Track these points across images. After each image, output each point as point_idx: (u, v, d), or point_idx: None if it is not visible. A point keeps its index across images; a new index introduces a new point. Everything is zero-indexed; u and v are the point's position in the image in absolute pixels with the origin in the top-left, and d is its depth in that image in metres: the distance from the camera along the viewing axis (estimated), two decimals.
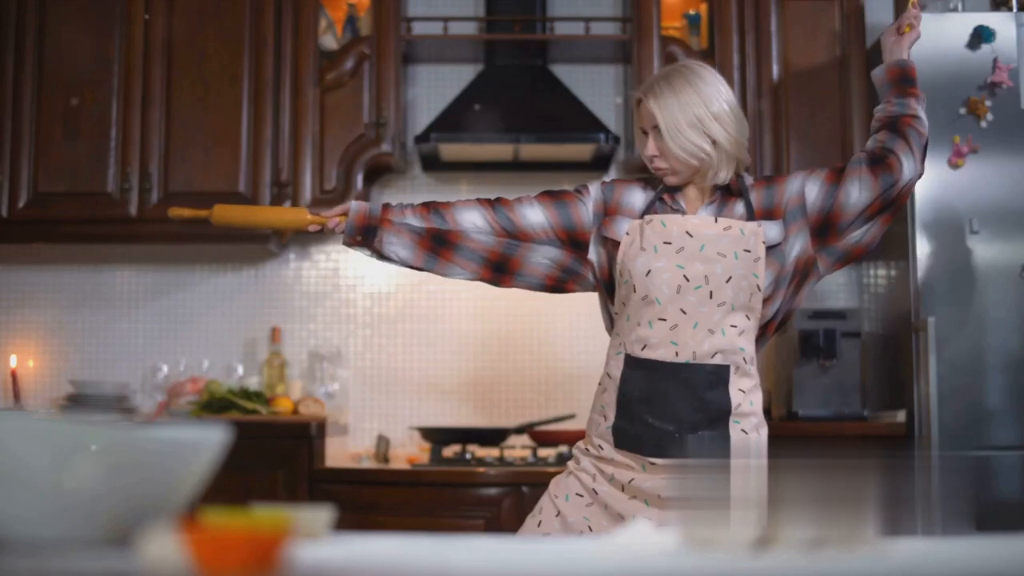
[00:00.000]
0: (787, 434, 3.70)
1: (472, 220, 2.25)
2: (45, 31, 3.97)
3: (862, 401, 3.84)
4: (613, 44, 4.21)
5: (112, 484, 0.97)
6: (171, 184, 3.93)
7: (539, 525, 2.26)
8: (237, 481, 2.99)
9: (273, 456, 3.60)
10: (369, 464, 3.92)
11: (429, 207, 2.27)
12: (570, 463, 2.29)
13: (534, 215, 2.26)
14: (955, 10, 3.80)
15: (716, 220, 2.17)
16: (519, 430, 3.86)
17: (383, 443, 4.00)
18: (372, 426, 4.16)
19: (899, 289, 3.77)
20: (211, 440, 1.04)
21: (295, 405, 3.95)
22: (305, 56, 3.99)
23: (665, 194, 2.25)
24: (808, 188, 2.22)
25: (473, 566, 0.91)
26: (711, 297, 2.12)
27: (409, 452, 4.04)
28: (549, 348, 4.23)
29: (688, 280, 2.13)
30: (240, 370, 4.14)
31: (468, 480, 3.61)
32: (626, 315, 2.19)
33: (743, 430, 2.14)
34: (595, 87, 4.31)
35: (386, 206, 2.27)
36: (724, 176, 2.20)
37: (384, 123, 3.96)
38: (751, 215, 2.20)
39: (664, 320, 2.13)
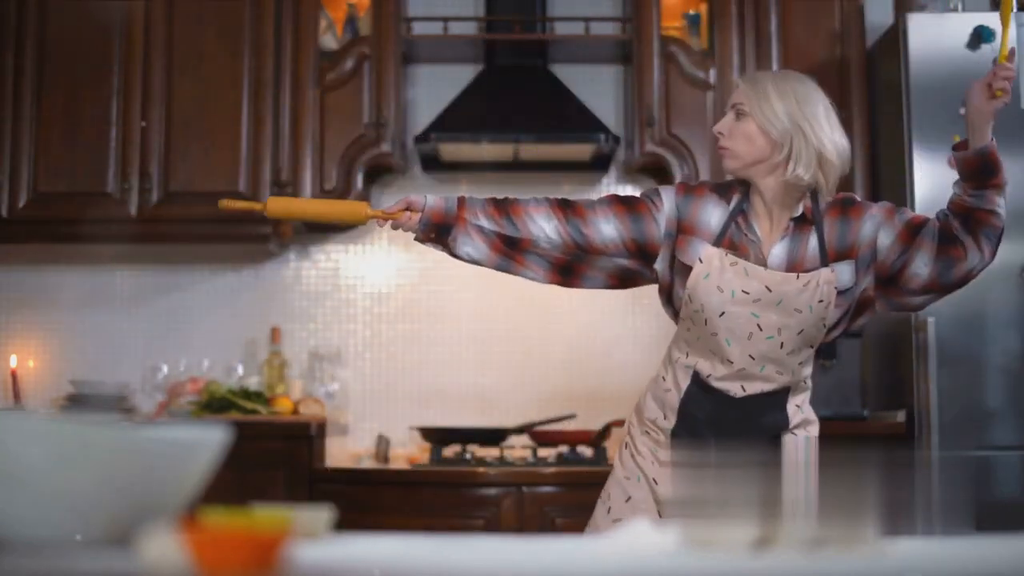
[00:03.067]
0: None
1: (543, 229, 2.21)
2: (45, 31, 3.97)
3: (862, 401, 3.84)
4: (613, 44, 4.20)
5: (112, 484, 0.97)
6: (171, 184, 3.93)
7: (608, 512, 2.28)
8: (237, 481, 2.98)
9: (273, 456, 3.60)
10: (369, 464, 3.92)
11: (500, 209, 2.22)
12: (627, 441, 2.32)
13: (608, 228, 2.21)
14: (955, 10, 3.80)
15: (797, 276, 2.14)
16: (519, 430, 3.86)
17: (383, 443, 4.00)
18: (372, 426, 4.15)
19: None
20: (211, 440, 1.04)
21: (295, 405, 3.95)
22: (305, 56, 3.99)
23: (739, 216, 2.20)
24: (881, 236, 2.19)
25: (473, 566, 0.91)
26: (782, 347, 2.16)
27: (409, 452, 4.04)
28: (549, 348, 4.22)
29: (761, 329, 2.15)
30: (240, 370, 4.13)
31: (468, 480, 3.61)
32: (695, 335, 2.20)
33: (792, 432, 2.21)
34: (595, 87, 4.30)
35: (460, 203, 2.22)
36: (799, 173, 2.13)
37: (384, 123, 3.96)
38: (823, 254, 2.16)
39: (732, 362, 2.17)
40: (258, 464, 3.53)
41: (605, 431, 3.79)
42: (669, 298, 2.26)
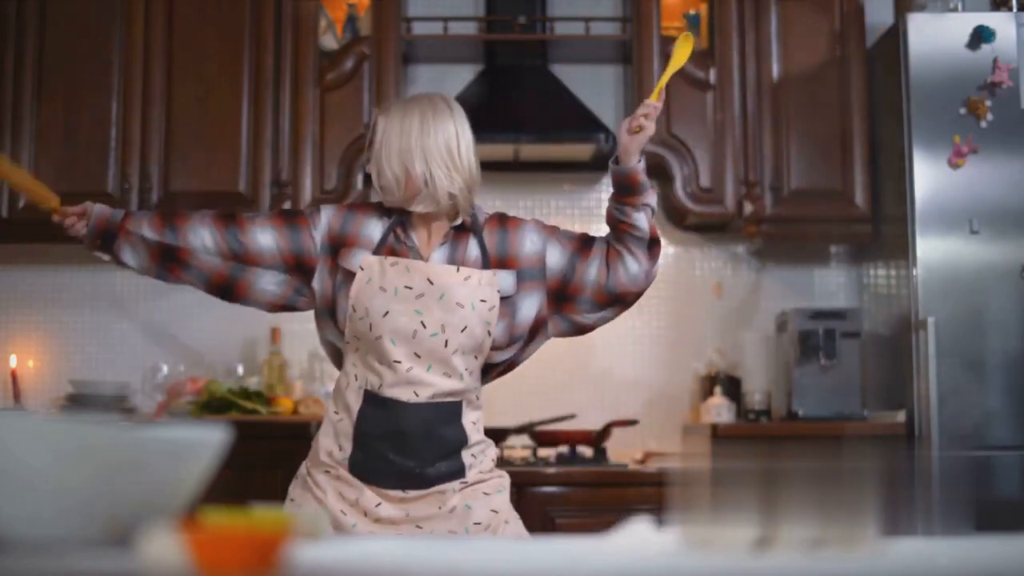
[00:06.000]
0: (787, 434, 3.71)
1: (202, 239, 2.27)
2: (45, 31, 3.97)
3: (862, 401, 3.84)
4: (613, 44, 4.20)
5: (112, 484, 0.97)
6: (171, 184, 3.93)
7: None
8: (237, 481, 2.98)
9: (273, 456, 3.59)
10: None
11: (165, 220, 2.29)
12: (301, 481, 2.33)
13: (264, 238, 2.25)
14: (955, 10, 3.80)
15: (458, 269, 2.20)
16: (519, 430, 3.86)
17: None
18: None
19: (899, 289, 3.77)
20: (211, 440, 1.04)
21: (295, 405, 3.95)
22: (305, 56, 3.99)
23: (398, 227, 2.25)
24: (550, 252, 2.27)
25: (473, 566, 0.91)
26: (446, 345, 2.17)
27: None
28: (549, 348, 4.22)
29: (425, 327, 2.16)
30: (240, 370, 4.13)
31: None
32: (361, 349, 2.20)
33: (472, 455, 2.25)
34: (595, 87, 4.30)
35: (127, 214, 2.30)
36: (421, 209, 2.21)
37: None
38: (486, 260, 2.23)
39: (399, 362, 2.16)
40: (258, 464, 3.53)
41: (605, 431, 3.79)
42: (333, 316, 2.24)
